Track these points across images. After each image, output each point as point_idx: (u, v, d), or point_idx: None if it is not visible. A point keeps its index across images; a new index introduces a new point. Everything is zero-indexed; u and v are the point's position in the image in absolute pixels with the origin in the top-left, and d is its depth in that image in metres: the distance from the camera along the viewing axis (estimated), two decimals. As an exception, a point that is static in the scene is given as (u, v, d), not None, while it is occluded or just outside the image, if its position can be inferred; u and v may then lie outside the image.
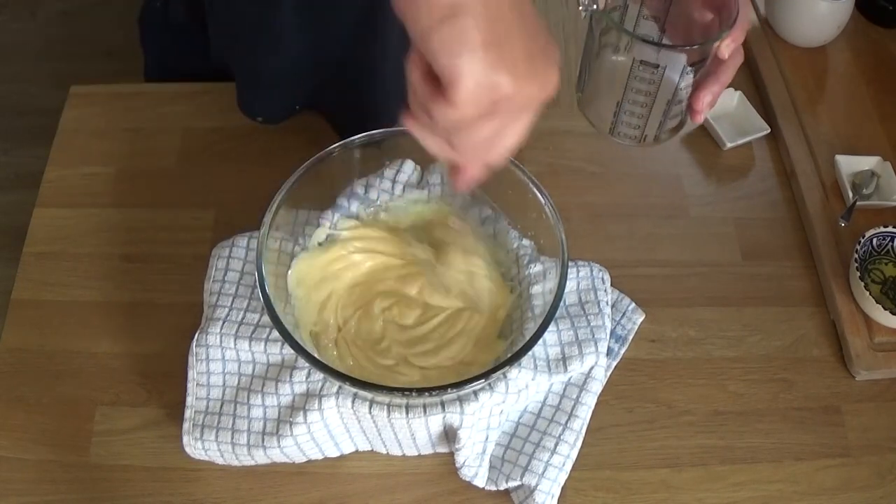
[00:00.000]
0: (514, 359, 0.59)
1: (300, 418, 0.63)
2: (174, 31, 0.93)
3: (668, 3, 0.62)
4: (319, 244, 0.70)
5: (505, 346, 0.67)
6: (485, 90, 0.41)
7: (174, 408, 0.69)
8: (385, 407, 0.62)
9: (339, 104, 0.85)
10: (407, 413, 0.62)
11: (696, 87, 0.60)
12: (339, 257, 0.70)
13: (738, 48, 0.59)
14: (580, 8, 0.59)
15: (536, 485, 0.65)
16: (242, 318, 0.68)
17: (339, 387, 0.63)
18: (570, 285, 0.73)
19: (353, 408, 0.62)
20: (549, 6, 1.02)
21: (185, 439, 0.65)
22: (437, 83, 0.42)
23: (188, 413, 0.66)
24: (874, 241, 0.79)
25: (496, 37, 0.41)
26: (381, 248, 0.70)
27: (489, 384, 0.63)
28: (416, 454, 0.69)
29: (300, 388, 0.64)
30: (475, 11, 0.40)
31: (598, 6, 0.59)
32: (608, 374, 0.73)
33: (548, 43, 0.45)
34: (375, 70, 0.79)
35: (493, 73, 0.41)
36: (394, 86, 0.78)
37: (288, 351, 0.66)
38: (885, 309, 0.74)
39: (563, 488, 0.66)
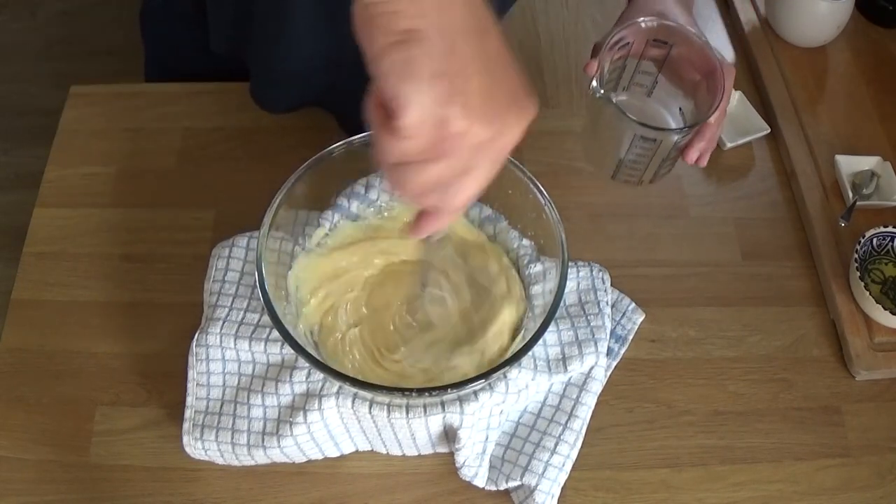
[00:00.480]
0: (515, 359, 0.59)
1: (300, 418, 0.63)
2: (176, 22, 0.94)
3: (660, 63, 0.71)
4: (318, 244, 0.70)
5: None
6: (431, 123, 0.39)
7: (174, 408, 0.69)
8: (385, 407, 0.62)
9: (351, 104, 0.85)
10: (407, 413, 0.62)
11: (687, 144, 0.69)
12: (340, 256, 0.70)
13: (721, 112, 0.66)
14: (590, 90, 0.66)
15: (536, 485, 0.65)
16: (242, 318, 0.68)
17: (339, 387, 0.63)
18: (570, 285, 0.73)
19: (353, 408, 0.62)
20: (549, 6, 1.02)
21: (185, 439, 0.65)
22: (389, 113, 0.40)
23: (188, 413, 0.66)
24: (874, 241, 0.79)
25: (449, 70, 0.38)
26: (383, 247, 0.70)
27: (489, 384, 0.63)
28: (416, 454, 0.69)
29: (300, 388, 0.64)
30: (429, 41, 0.38)
31: (600, 85, 0.66)
32: (608, 374, 0.73)
33: (519, 89, 0.42)
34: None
35: (441, 106, 0.39)
36: None
37: (288, 351, 0.66)
38: (885, 309, 0.74)
39: (563, 488, 0.66)
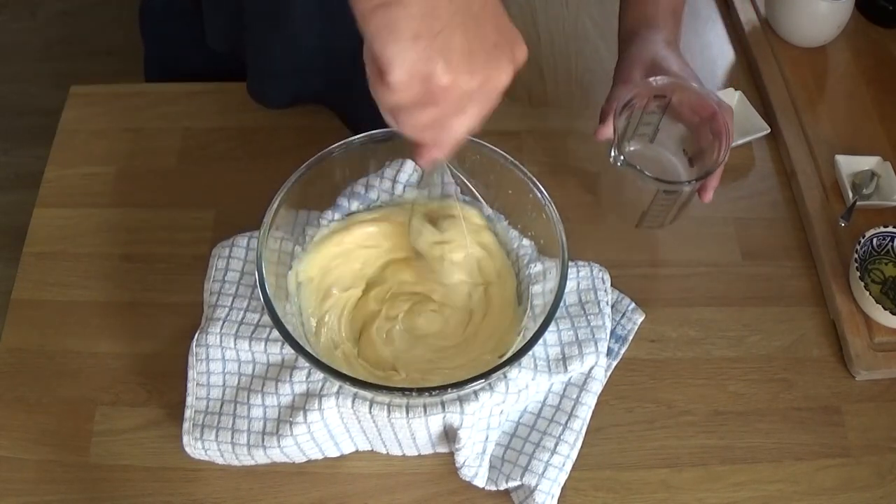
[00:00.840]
0: (515, 359, 0.59)
1: (300, 418, 0.63)
2: (176, 20, 0.94)
3: (661, 111, 0.76)
4: (318, 244, 0.70)
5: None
6: (416, 79, 0.42)
7: (174, 408, 0.69)
8: (385, 407, 0.62)
9: (350, 98, 0.86)
10: (407, 413, 0.62)
11: (702, 187, 0.74)
12: (342, 253, 0.70)
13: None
14: (610, 157, 0.71)
15: (536, 485, 0.65)
16: (242, 318, 0.68)
17: (340, 387, 0.63)
18: (570, 285, 0.73)
19: (353, 408, 0.62)
20: (549, 6, 1.02)
21: (185, 439, 0.65)
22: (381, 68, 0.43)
23: (188, 413, 0.66)
24: (874, 241, 0.79)
25: (429, 29, 0.41)
26: (384, 243, 0.70)
27: (489, 384, 0.63)
28: (416, 454, 0.69)
29: (300, 388, 0.64)
30: (409, 3, 0.41)
31: (618, 151, 0.71)
32: (608, 374, 0.73)
33: (505, 37, 0.46)
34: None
35: (423, 63, 0.42)
36: None
37: (288, 351, 0.66)
38: (885, 309, 0.74)
39: (563, 488, 0.66)
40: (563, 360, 0.68)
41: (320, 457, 0.68)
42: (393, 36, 0.41)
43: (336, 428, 0.65)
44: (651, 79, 0.72)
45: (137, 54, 1.01)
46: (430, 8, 0.41)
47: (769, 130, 0.90)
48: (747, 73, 0.97)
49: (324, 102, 0.89)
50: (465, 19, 0.43)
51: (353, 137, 0.68)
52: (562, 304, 0.62)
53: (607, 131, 0.72)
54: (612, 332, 0.74)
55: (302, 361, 0.65)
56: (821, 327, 0.79)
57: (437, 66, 0.42)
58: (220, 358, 0.67)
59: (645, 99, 0.73)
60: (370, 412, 0.62)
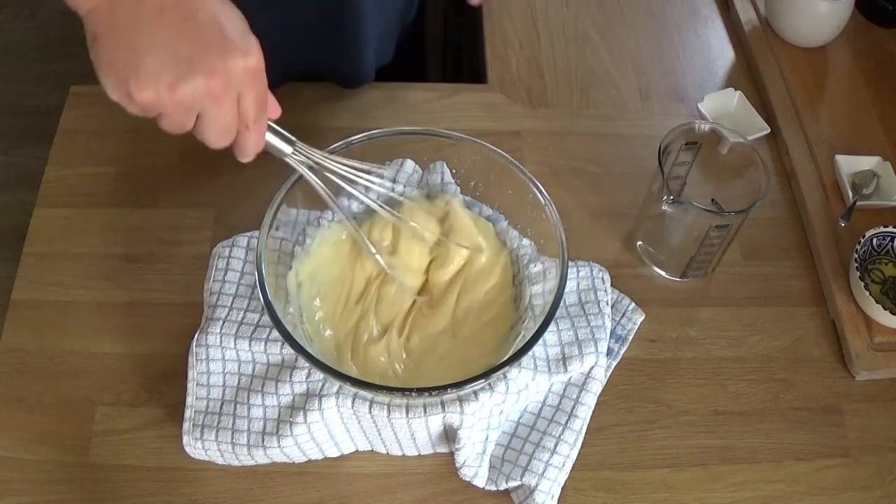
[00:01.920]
0: (515, 359, 0.59)
1: (300, 418, 0.63)
2: None
3: (689, 164, 0.78)
4: (318, 244, 0.70)
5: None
6: (124, 99, 0.49)
7: (174, 408, 0.69)
8: (385, 407, 0.62)
9: (341, 70, 0.90)
10: (407, 413, 0.62)
11: None
12: (340, 255, 0.70)
13: None
14: (663, 202, 0.71)
15: (536, 485, 0.65)
16: (242, 318, 0.68)
17: (339, 387, 0.63)
18: (570, 285, 0.73)
19: (353, 408, 0.62)
20: (549, 6, 1.02)
21: (185, 439, 0.65)
22: None
23: (188, 413, 0.66)
24: (874, 241, 0.79)
25: (117, 57, 0.48)
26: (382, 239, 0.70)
27: (489, 384, 0.63)
28: (416, 454, 0.69)
29: (300, 388, 0.64)
30: (102, 39, 0.48)
31: (674, 197, 0.70)
32: (608, 374, 0.73)
33: (214, 40, 0.49)
34: (353, 31, 0.84)
35: (120, 85, 0.48)
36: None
37: (288, 351, 0.66)
38: (885, 309, 0.74)
39: (563, 488, 0.66)
40: (563, 360, 0.68)
41: (320, 457, 0.68)
42: (97, 65, 0.48)
43: (336, 428, 0.65)
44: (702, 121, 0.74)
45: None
46: (116, 40, 0.48)
47: (769, 130, 0.90)
48: (747, 73, 0.97)
49: (314, 75, 0.91)
50: (156, 39, 0.48)
51: (352, 137, 0.68)
52: (562, 304, 0.62)
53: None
54: (612, 332, 0.74)
55: (302, 361, 0.65)
56: (821, 327, 0.79)
57: (130, 86, 0.48)
58: (220, 358, 0.67)
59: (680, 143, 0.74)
60: (370, 412, 0.62)
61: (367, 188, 0.73)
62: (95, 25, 0.48)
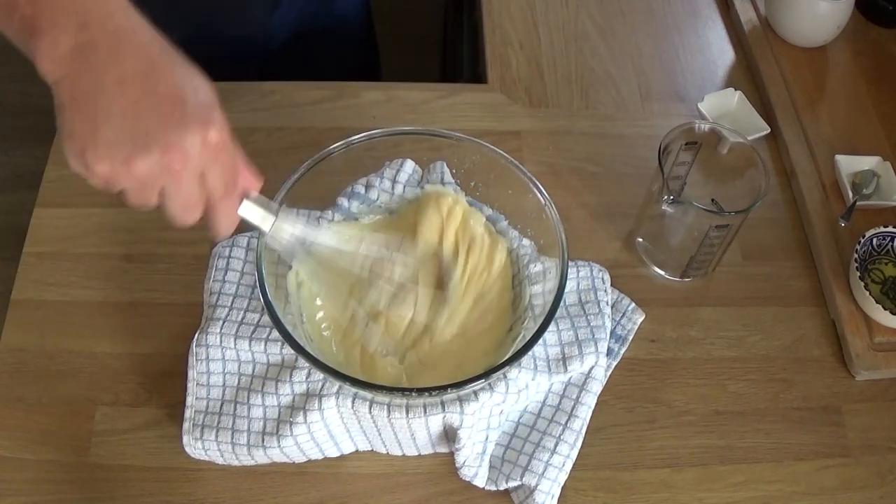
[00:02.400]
0: (515, 359, 0.59)
1: (300, 418, 0.63)
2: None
3: (689, 165, 0.78)
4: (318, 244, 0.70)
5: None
6: (83, 171, 0.47)
7: (174, 408, 0.69)
8: (385, 407, 0.62)
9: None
10: (407, 413, 0.62)
11: None
12: (340, 255, 0.70)
13: None
14: (662, 202, 0.71)
15: (536, 485, 0.65)
16: (242, 318, 0.68)
17: (339, 387, 0.63)
18: (570, 285, 0.73)
19: (353, 408, 0.62)
20: (549, 6, 1.02)
21: (185, 439, 0.65)
22: None
23: (188, 413, 0.66)
24: (874, 241, 0.79)
25: (75, 129, 0.46)
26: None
27: (489, 384, 0.63)
28: (416, 454, 0.69)
29: (300, 388, 0.64)
30: (64, 109, 0.47)
31: (674, 197, 0.70)
32: (608, 374, 0.73)
33: (174, 113, 0.47)
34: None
35: (77, 157, 0.47)
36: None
37: (288, 351, 0.66)
38: (885, 309, 0.74)
39: (563, 488, 0.66)
40: (563, 360, 0.68)
41: (320, 457, 0.68)
42: (60, 136, 0.47)
43: (336, 428, 0.65)
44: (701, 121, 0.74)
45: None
46: (76, 110, 0.46)
47: (769, 130, 0.90)
48: (747, 73, 0.97)
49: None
50: (114, 110, 0.46)
51: (352, 137, 0.68)
52: (562, 304, 0.62)
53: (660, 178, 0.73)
54: (612, 332, 0.74)
55: (302, 361, 0.65)
56: (821, 327, 0.79)
57: (87, 158, 0.46)
58: (220, 358, 0.67)
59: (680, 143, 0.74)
60: (370, 412, 0.62)
61: (366, 189, 0.73)
62: (61, 96, 0.47)
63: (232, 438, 0.64)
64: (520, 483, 0.65)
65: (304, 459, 0.68)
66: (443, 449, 0.68)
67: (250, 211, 0.55)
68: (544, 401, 0.69)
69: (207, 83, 0.49)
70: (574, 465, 0.67)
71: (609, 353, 0.73)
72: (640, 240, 0.81)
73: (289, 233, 0.58)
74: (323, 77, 0.94)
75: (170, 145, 0.46)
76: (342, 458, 0.69)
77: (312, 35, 1.04)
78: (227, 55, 0.86)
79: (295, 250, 0.60)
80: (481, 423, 0.64)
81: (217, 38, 0.91)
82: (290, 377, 0.65)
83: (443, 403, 0.62)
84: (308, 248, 0.61)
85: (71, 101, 0.46)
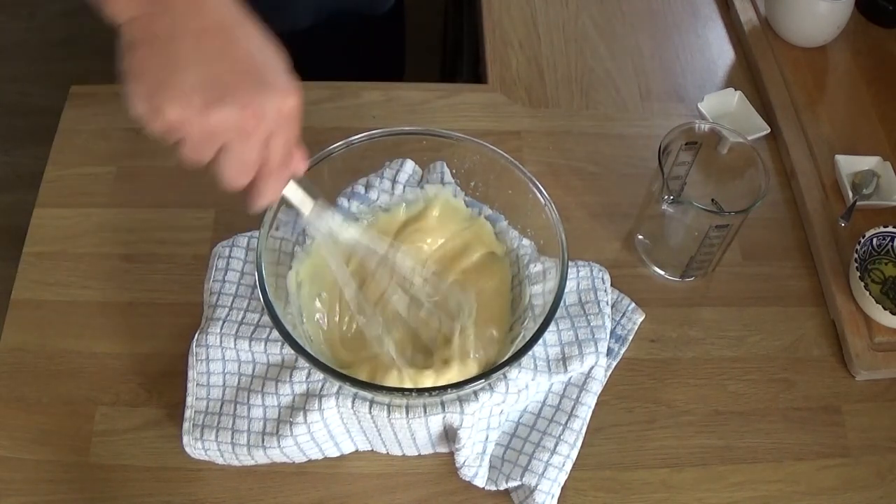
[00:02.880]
0: (515, 359, 0.59)
1: (300, 418, 0.63)
2: None
3: (689, 165, 0.78)
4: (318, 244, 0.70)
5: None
6: (149, 114, 0.45)
7: (174, 408, 0.69)
8: (385, 407, 0.62)
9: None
10: (407, 413, 0.62)
11: None
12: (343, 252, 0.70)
13: None
14: (662, 202, 0.71)
15: (536, 485, 0.65)
16: (242, 318, 0.68)
17: (339, 387, 0.63)
18: (570, 285, 0.73)
19: (353, 408, 0.62)
20: (549, 6, 1.02)
21: (185, 439, 0.65)
22: None
23: (188, 413, 0.66)
24: (874, 241, 0.79)
25: (153, 67, 0.45)
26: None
27: (489, 384, 0.63)
28: (416, 454, 0.69)
29: (300, 388, 0.64)
30: (140, 46, 0.45)
31: (674, 197, 0.70)
32: (608, 374, 0.73)
33: (259, 73, 0.47)
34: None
35: (147, 99, 0.45)
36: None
37: (288, 351, 0.66)
38: (885, 309, 0.74)
39: (563, 488, 0.66)
40: (563, 360, 0.68)
41: (320, 457, 0.68)
42: (127, 75, 0.46)
43: (336, 428, 0.65)
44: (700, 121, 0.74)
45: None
46: (158, 50, 0.45)
47: (769, 130, 0.90)
48: (747, 73, 0.97)
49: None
50: (203, 56, 0.45)
51: (352, 137, 0.68)
52: (562, 304, 0.62)
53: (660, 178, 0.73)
54: (612, 332, 0.74)
55: (302, 361, 0.65)
56: (821, 327, 0.79)
57: (160, 98, 0.45)
58: (220, 358, 0.67)
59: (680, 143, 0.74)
60: (370, 412, 0.62)
61: (366, 189, 0.73)
62: (133, 34, 0.45)
63: (232, 438, 0.64)
64: (520, 483, 0.65)
65: (304, 459, 0.68)
66: (443, 449, 0.68)
67: (294, 190, 0.56)
68: (544, 401, 0.69)
69: (280, 53, 0.49)
70: (574, 465, 0.67)
71: (609, 353, 0.73)
72: (640, 242, 0.81)
73: (325, 223, 0.58)
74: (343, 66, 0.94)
75: (249, 103, 0.46)
76: (342, 458, 0.69)
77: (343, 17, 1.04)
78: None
79: (324, 240, 0.60)
80: (481, 423, 0.64)
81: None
82: (290, 377, 0.65)
83: (443, 403, 0.62)
84: (336, 239, 0.61)
85: (146, 41, 0.45)
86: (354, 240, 0.62)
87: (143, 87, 0.45)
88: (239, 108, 0.46)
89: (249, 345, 0.67)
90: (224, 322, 0.68)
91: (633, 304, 0.76)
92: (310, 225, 0.58)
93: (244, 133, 0.47)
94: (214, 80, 0.46)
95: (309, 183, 0.57)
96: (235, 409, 0.65)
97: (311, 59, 0.94)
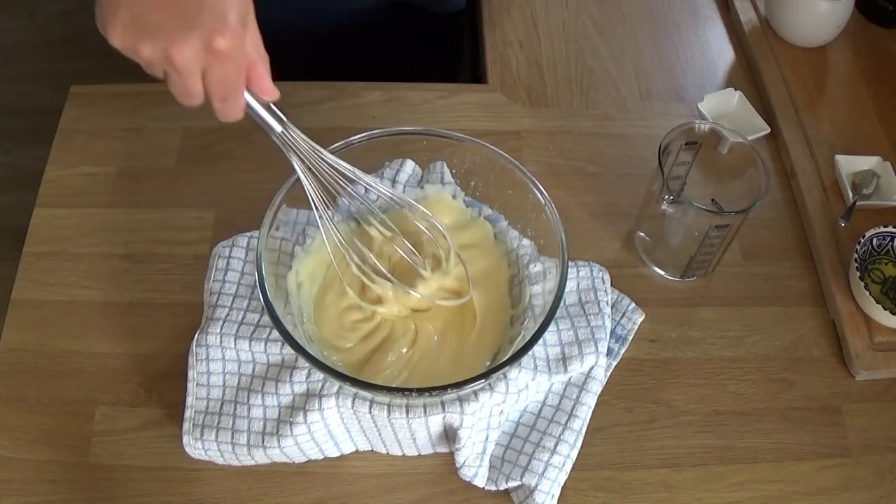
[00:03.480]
0: (515, 359, 0.59)
1: (300, 418, 0.63)
2: None
3: (689, 165, 0.78)
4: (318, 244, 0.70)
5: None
6: (130, 53, 0.51)
7: (174, 408, 0.69)
8: (385, 407, 0.62)
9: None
10: (407, 413, 0.62)
11: None
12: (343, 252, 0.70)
13: None
14: (663, 202, 0.71)
15: (536, 485, 0.65)
16: (242, 318, 0.68)
17: (339, 387, 0.63)
18: (570, 285, 0.73)
19: (353, 408, 0.62)
20: (549, 6, 1.02)
21: (185, 439, 0.65)
22: None
23: (188, 413, 0.66)
24: (874, 241, 0.79)
25: (104, 6, 0.50)
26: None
27: (489, 384, 0.63)
28: (416, 454, 0.69)
29: (300, 388, 0.64)
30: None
31: (674, 197, 0.70)
32: (608, 374, 0.73)
33: (184, 14, 0.50)
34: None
35: (103, 32, 0.50)
36: None
37: (288, 351, 0.66)
38: (885, 309, 0.74)
39: (563, 488, 0.66)
40: (563, 360, 0.68)
41: (320, 457, 0.68)
42: (103, 20, 0.50)
43: (336, 428, 0.65)
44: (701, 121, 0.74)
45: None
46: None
47: (769, 130, 0.90)
48: (747, 73, 0.97)
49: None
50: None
51: (352, 137, 0.68)
52: (562, 304, 0.62)
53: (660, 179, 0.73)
54: (612, 332, 0.74)
55: (302, 361, 0.65)
56: (821, 327, 0.79)
57: (108, 32, 0.50)
58: (220, 358, 0.67)
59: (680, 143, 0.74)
60: (370, 412, 0.62)
61: (366, 189, 0.73)
62: None
63: (232, 438, 0.64)
64: (520, 483, 0.65)
65: (304, 459, 0.68)
66: (443, 449, 0.68)
67: (264, 112, 0.58)
68: (544, 401, 0.69)
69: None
70: (574, 465, 0.67)
71: (609, 353, 0.73)
72: (640, 242, 0.81)
73: (295, 143, 0.59)
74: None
75: (173, 40, 0.49)
76: (342, 458, 0.69)
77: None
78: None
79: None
80: (481, 423, 0.64)
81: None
82: (290, 377, 0.65)
83: (443, 403, 0.62)
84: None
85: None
86: (334, 161, 0.63)
87: (98, 22, 0.51)
88: (164, 44, 0.50)
89: (249, 345, 0.67)
90: (224, 322, 0.68)
91: (633, 304, 0.76)
92: (282, 147, 0.60)
93: (173, 66, 0.51)
94: (148, 18, 0.50)
95: (278, 109, 0.58)
96: (235, 409, 0.65)
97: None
